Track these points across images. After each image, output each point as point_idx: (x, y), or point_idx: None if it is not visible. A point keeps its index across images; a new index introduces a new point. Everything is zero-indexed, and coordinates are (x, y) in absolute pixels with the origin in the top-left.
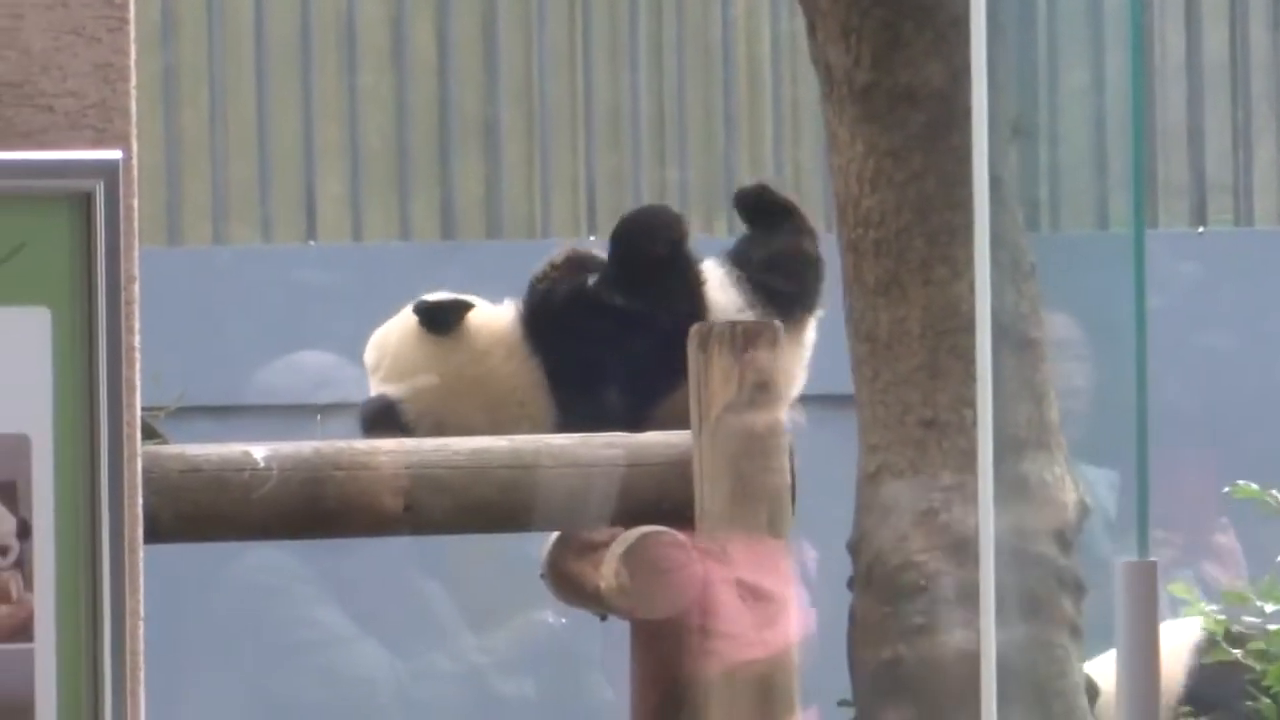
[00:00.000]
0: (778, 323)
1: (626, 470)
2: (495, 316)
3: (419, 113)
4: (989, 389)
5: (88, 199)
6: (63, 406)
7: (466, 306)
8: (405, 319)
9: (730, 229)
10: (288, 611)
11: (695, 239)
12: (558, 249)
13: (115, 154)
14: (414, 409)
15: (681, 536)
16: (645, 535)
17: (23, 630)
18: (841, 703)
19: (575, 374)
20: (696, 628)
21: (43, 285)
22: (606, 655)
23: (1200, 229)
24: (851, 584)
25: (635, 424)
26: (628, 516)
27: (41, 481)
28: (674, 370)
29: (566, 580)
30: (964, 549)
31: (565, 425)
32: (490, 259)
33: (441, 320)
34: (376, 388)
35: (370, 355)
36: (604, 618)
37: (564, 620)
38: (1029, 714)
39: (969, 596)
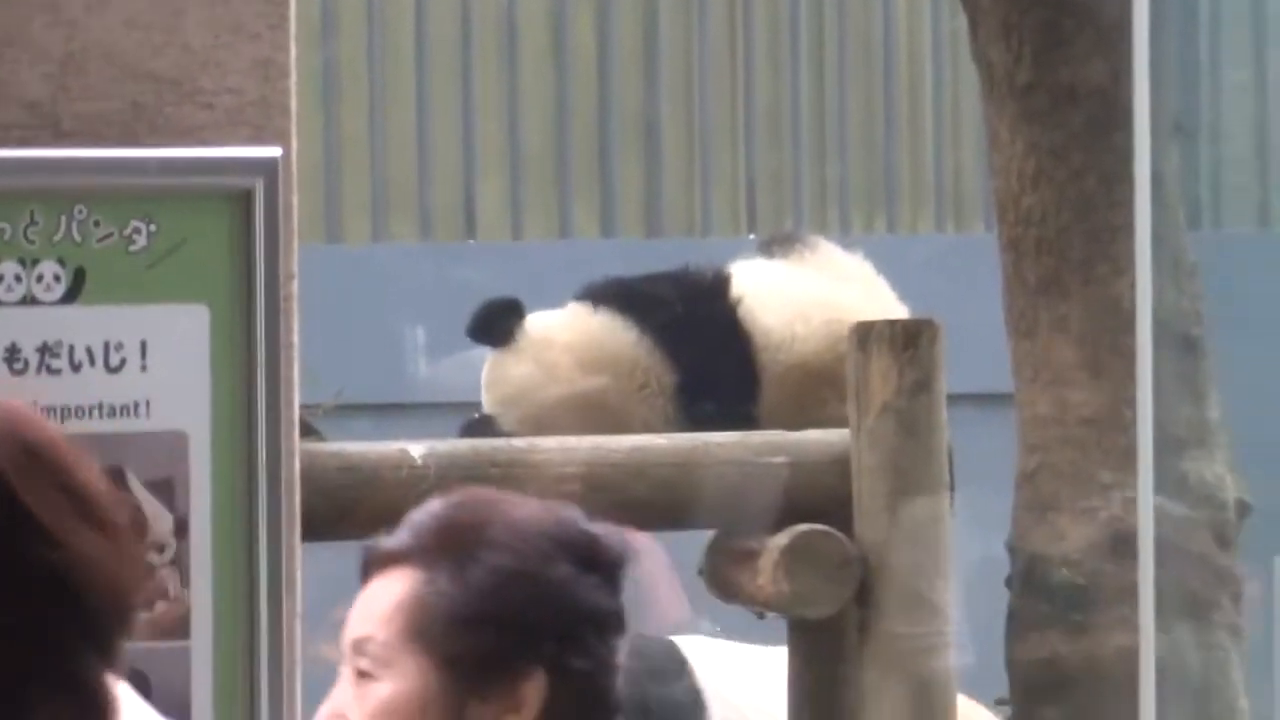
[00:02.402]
0: (937, 320)
1: (785, 468)
2: (598, 328)
3: (579, 112)
4: (1149, 387)
5: (247, 196)
6: (221, 404)
7: (512, 309)
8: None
9: (890, 227)
10: None
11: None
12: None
13: (275, 151)
14: (510, 426)
15: (840, 535)
16: (804, 534)
17: (180, 627)
18: (999, 701)
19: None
20: (856, 624)
21: (202, 282)
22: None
23: None
24: (1010, 582)
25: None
26: (786, 515)
27: (199, 479)
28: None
29: (724, 579)
30: (1123, 548)
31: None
32: (650, 257)
33: (489, 330)
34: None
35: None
36: (762, 615)
37: (718, 629)
38: (1187, 714)
39: (1128, 595)
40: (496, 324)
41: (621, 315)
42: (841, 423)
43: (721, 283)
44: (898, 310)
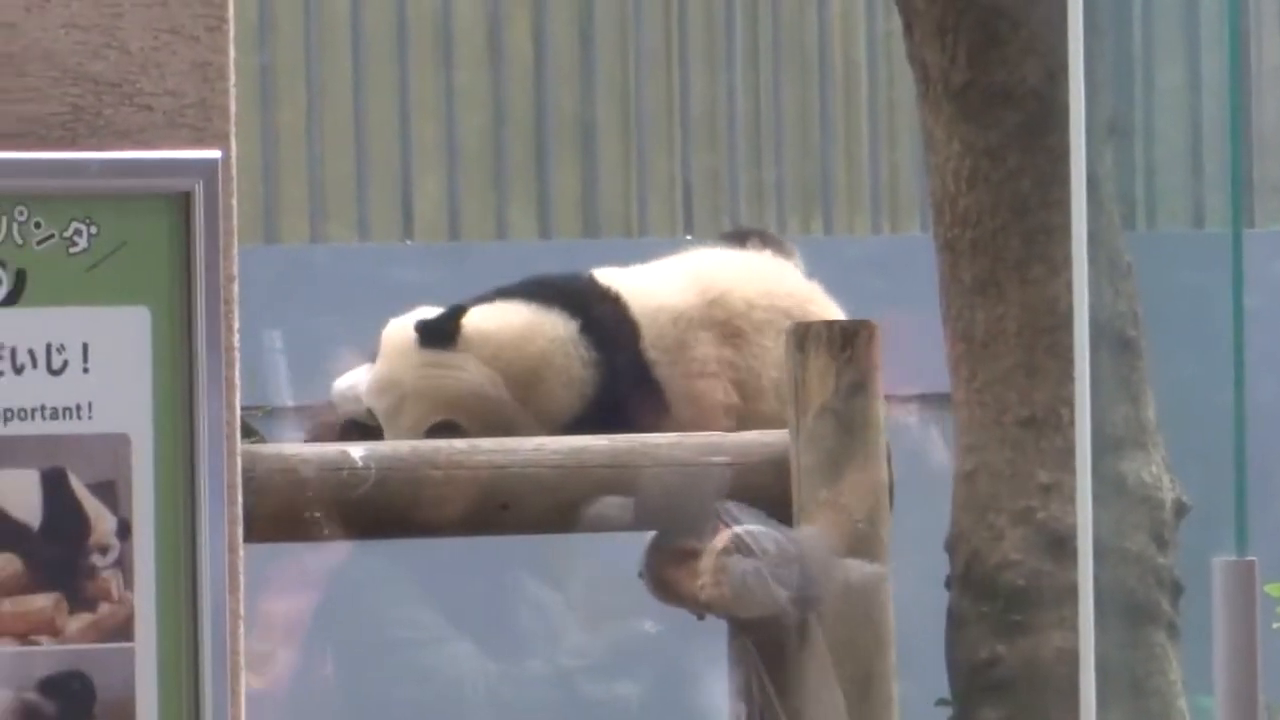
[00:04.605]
0: (875, 321)
1: (724, 469)
2: (534, 322)
3: (516, 112)
4: (1086, 387)
5: (187, 198)
6: (162, 406)
7: (459, 313)
8: (404, 348)
9: (826, 229)
10: (381, 610)
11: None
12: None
13: (214, 153)
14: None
15: (779, 535)
16: (742, 535)
17: (123, 630)
18: (939, 702)
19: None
20: (795, 625)
21: (142, 285)
22: (703, 658)
23: None
24: (949, 583)
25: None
26: (726, 515)
27: (141, 481)
28: None
29: (664, 581)
30: (1061, 548)
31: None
32: (586, 258)
33: (440, 333)
34: (397, 426)
35: (380, 399)
36: (701, 617)
37: (659, 628)
38: (1126, 713)
39: (1067, 595)
40: (446, 328)
41: (519, 297)
42: (732, 364)
43: (574, 271)
44: (776, 298)
